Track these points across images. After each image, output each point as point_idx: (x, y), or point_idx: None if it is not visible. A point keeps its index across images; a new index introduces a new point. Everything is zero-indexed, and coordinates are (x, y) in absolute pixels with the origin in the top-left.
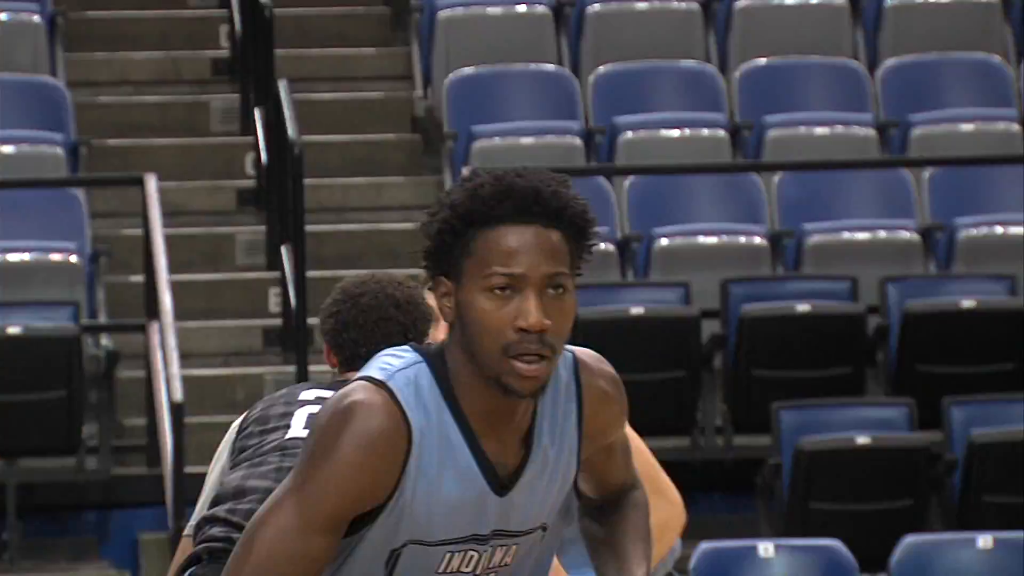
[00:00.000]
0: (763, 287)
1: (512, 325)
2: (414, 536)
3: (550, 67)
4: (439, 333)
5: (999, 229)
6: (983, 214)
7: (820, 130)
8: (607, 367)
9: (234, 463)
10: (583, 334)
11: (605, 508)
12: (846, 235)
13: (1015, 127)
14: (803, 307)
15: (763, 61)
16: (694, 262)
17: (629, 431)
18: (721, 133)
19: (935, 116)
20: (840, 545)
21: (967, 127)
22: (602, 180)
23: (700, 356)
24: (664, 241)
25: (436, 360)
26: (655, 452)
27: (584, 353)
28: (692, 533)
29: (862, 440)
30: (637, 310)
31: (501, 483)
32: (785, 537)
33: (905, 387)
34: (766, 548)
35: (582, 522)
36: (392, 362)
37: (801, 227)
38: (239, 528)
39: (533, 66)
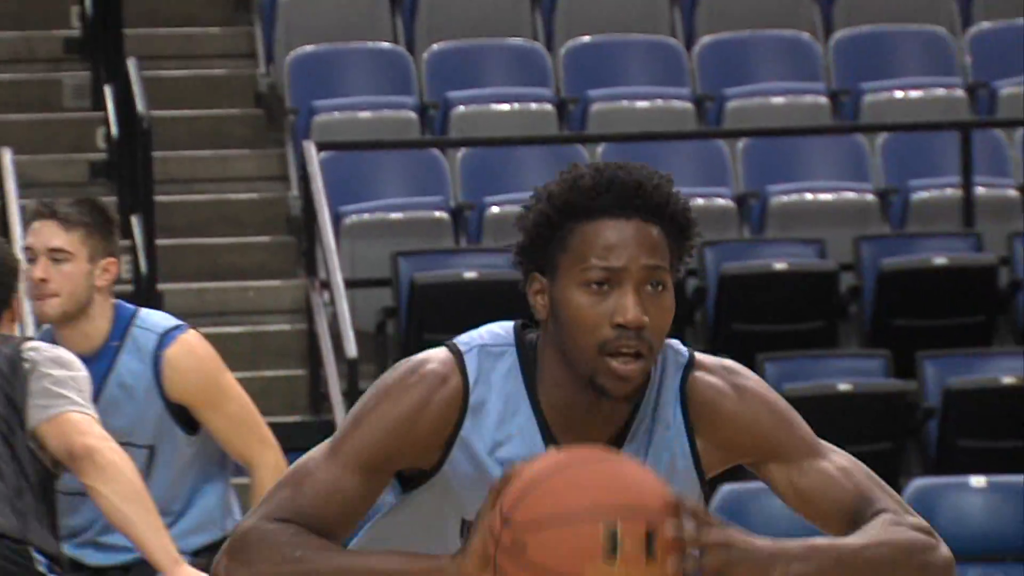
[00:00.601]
0: None
1: (609, 321)
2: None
3: (386, 45)
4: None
5: (808, 196)
6: (793, 182)
7: (641, 104)
8: (733, 377)
9: None
10: (419, 300)
11: None
12: None
13: (822, 100)
14: None
15: (587, 39)
16: None
17: (230, 386)
18: (548, 107)
19: (748, 90)
20: None
21: (778, 100)
22: (436, 152)
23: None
24: (495, 209)
25: (528, 351)
26: None
27: (708, 360)
28: None
29: None
30: (470, 274)
31: None
32: None
33: (724, 345)
34: None
35: None
36: (480, 338)
37: None
38: None
39: (370, 44)
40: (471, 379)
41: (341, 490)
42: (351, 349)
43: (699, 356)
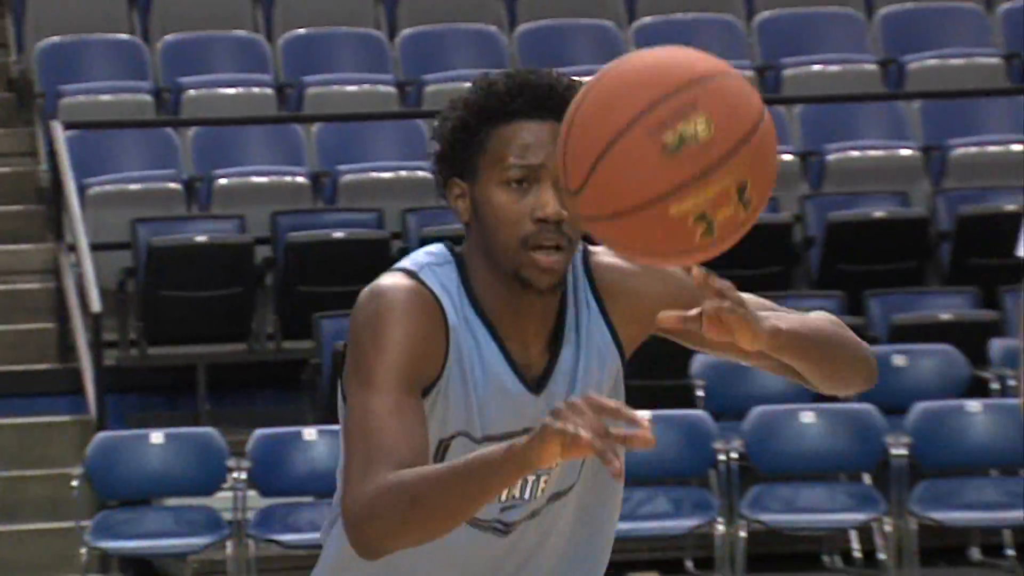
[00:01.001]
0: (305, 218)
1: (530, 216)
2: (460, 428)
3: (124, 36)
4: None
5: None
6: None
7: (350, 88)
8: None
9: None
10: (155, 261)
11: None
12: (374, 175)
13: None
14: (339, 234)
15: (303, 31)
16: (248, 198)
17: None
18: (268, 91)
19: (444, 76)
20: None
21: (466, 85)
22: (170, 131)
23: (254, 276)
24: (223, 181)
25: (460, 261)
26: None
27: (598, 247)
28: (248, 422)
29: None
30: (201, 238)
31: (531, 383)
32: (325, 424)
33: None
34: (310, 433)
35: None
36: (422, 258)
37: (336, 168)
38: None
39: (110, 35)
40: (437, 294)
41: (401, 409)
42: (95, 304)
43: (589, 245)
